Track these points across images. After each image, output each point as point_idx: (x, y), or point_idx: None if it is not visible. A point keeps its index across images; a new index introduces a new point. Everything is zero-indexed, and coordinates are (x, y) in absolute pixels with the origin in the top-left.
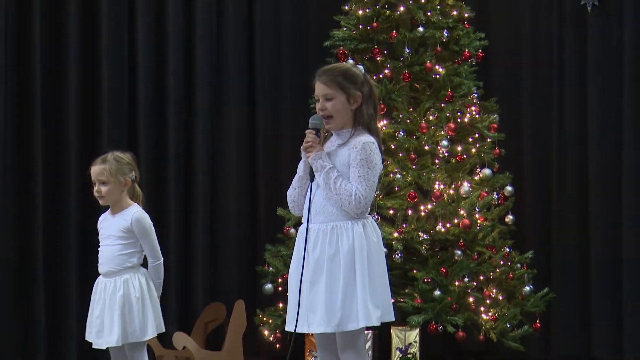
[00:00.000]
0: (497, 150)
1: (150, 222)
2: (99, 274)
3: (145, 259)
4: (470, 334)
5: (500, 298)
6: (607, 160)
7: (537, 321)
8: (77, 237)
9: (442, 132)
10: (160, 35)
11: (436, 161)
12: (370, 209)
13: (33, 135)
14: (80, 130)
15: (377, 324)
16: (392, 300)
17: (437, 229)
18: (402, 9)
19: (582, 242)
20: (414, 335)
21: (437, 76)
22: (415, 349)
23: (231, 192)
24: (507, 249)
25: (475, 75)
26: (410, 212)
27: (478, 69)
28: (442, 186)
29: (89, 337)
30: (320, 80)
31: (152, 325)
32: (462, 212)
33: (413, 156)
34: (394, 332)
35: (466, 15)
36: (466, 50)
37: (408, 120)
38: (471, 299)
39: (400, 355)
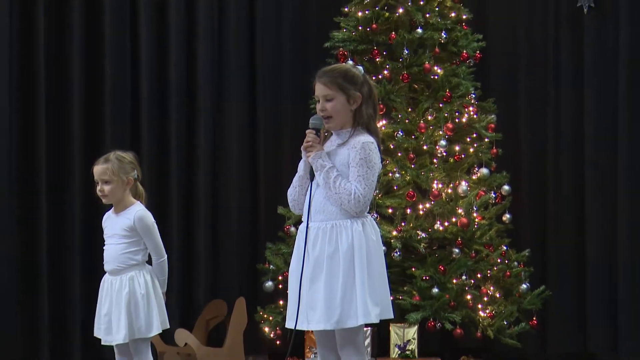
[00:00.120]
0: (495, 150)
1: (153, 220)
2: (104, 272)
3: (150, 256)
4: (467, 331)
5: (498, 295)
6: (603, 161)
7: (534, 318)
8: (81, 235)
9: (441, 132)
10: (163, 31)
11: (434, 161)
12: (370, 207)
13: (37, 131)
14: (84, 126)
15: (376, 321)
16: (391, 298)
17: (436, 228)
18: (401, 10)
19: (579, 243)
20: (412, 332)
21: (436, 77)
22: (413, 346)
23: (232, 191)
24: (504, 247)
25: (473, 76)
26: (408, 210)
27: (476, 70)
28: (440, 185)
29: (97, 333)
30: (320, 81)
31: (157, 322)
32: (460, 210)
33: (412, 156)
34: (393, 329)
35: (464, 17)
36: (464, 51)
37: (407, 121)
38: (469, 297)
39: (399, 351)
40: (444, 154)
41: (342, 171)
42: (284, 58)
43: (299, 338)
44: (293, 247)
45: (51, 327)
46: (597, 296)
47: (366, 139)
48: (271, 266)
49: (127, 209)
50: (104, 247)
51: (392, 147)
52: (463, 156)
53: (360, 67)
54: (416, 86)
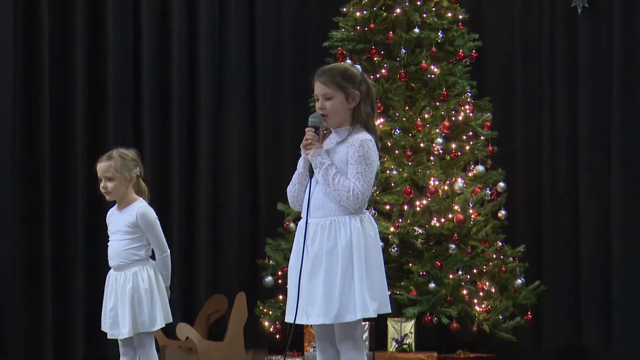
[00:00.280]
0: (490, 148)
1: (155, 216)
2: (107, 269)
3: (153, 251)
4: (464, 325)
5: (493, 290)
6: (597, 161)
7: (529, 313)
8: (84, 234)
9: (437, 130)
10: (165, 32)
11: (431, 158)
12: (368, 204)
13: (41, 130)
14: (87, 126)
15: (374, 315)
16: (389, 293)
17: (432, 224)
18: (398, 10)
19: (573, 242)
20: (409, 326)
21: (432, 76)
22: (410, 340)
23: (233, 188)
24: (500, 243)
25: (469, 75)
26: (406, 207)
27: (472, 69)
28: (437, 182)
29: (104, 327)
30: (319, 80)
31: (161, 316)
32: (456, 207)
33: (409, 153)
34: (390, 323)
35: (461, 17)
36: (460, 50)
37: (404, 119)
38: (465, 292)
39: (396, 345)
40: (441, 151)
41: (341, 168)
42: (284, 58)
43: (298, 332)
44: (292, 242)
45: (55, 324)
46: (591, 296)
47: (364, 136)
48: (271, 261)
49: (130, 206)
50: (108, 243)
51: (389, 144)
52: (459, 154)
53: (359, 66)
54: (413, 85)
